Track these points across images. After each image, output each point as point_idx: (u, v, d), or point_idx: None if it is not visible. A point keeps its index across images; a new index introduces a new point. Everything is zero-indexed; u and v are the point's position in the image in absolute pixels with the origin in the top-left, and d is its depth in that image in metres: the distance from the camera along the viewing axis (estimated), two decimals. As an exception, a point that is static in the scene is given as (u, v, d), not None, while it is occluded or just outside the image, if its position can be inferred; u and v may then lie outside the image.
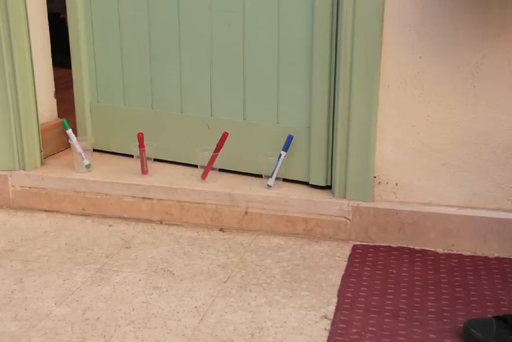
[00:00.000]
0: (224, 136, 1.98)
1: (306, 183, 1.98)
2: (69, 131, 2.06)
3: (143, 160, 2.06)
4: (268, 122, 2.00)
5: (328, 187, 1.94)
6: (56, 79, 2.31)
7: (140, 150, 2.05)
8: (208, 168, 2.00)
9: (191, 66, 2.07)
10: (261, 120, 2.01)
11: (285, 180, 1.99)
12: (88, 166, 2.08)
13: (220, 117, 2.07)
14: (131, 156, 2.12)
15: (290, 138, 1.93)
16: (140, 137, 2.04)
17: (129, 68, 2.18)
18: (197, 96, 2.09)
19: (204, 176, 2.01)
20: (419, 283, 1.62)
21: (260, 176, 2.00)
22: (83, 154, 2.07)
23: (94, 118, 2.28)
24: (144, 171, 2.07)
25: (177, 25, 2.05)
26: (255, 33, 1.95)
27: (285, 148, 1.93)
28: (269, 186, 1.95)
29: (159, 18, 2.08)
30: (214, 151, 1.99)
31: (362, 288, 1.59)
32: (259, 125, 2.01)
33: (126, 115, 2.22)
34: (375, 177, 1.83)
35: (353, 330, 1.41)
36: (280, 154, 1.93)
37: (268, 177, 1.95)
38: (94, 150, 2.21)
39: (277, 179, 1.95)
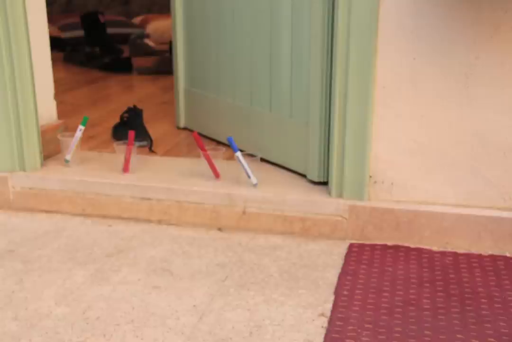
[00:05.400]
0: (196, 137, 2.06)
1: (303, 176, 2.04)
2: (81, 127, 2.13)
3: (128, 158, 2.09)
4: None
5: (324, 183, 1.97)
6: (55, 81, 2.33)
7: (127, 147, 2.07)
8: (211, 166, 2.05)
9: (243, 60, 2.28)
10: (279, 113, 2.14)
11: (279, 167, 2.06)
12: (66, 161, 2.17)
13: (258, 108, 2.23)
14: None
15: (230, 140, 2.00)
16: (131, 135, 2.06)
17: (209, 61, 2.49)
18: (244, 87, 2.30)
19: (216, 175, 2.05)
20: (414, 280, 1.64)
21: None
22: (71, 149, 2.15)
23: (187, 102, 2.70)
24: (125, 169, 2.09)
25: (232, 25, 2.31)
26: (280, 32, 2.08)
27: (235, 149, 1.99)
28: (255, 185, 1.98)
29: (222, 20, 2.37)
30: (203, 150, 2.05)
31: (358, 286, 1.61)
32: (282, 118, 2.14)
33: (205, 100, 2.56)
34: (371, 176, 1.85)
35: (350, 327, 1.43)
36: (237, 156, 1.98)
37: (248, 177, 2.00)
38: (184, 128, 2.70)
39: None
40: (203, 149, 2.04)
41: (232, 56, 2.33)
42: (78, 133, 2.12)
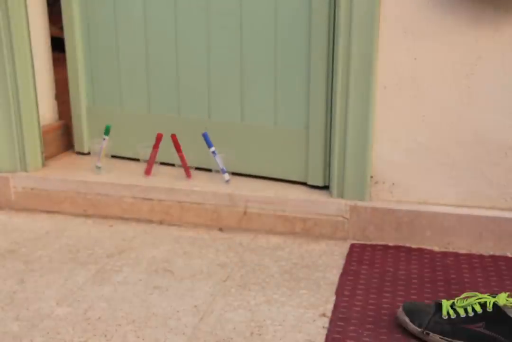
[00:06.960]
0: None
1: (303, 183, 2.00)
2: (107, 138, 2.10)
3: (153, 161, 2.08)
4: (266, 123, 2.02)
5: (325, 187, 1.96)
6: (56, 81, 2.33)
7: (153, 150, 2.06)
8: (185, 167, 2.07)
9: (188, 68, 2.09)
10: (259, 122, 2.03)
11: (272, 179, 2.03)
12: (97, 168, 2.13)
13: (218, 119, 2.09)
14: (127, 158, 2.19)
15: (205, 135, 1.99)
16: (159, 138, 2.05)
17: (125, 71, 2.19)
18: (194, 99, 2.11)
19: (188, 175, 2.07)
20: (415, 280, 1.64)
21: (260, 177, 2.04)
22: (100, 156, 2.12)
23: (91, 121, 2.28)
24: (148, 172, 2.08)
25: (174, 27, 2.07)
26: (252, 36, 1.97)
27: (210, 145, 1.99)
28: (227, 181, 2.00)
29: (156, 20, 2.09)
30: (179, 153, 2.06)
31: (359, 286, 1.61)
32: (257, 127, 2.04)
33: (122, 118, 2.24)
34: (372, 177, 1.85)
35: (351, 328, 1.43)
36: (214, 151, 1.99)
37: (217, 172, 2.03)
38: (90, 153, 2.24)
39: (233, 174, 2.05)
40: (179, 151, 2.05)
41: (175, 63, 2.09)
42: (104, 143, 2.10)
